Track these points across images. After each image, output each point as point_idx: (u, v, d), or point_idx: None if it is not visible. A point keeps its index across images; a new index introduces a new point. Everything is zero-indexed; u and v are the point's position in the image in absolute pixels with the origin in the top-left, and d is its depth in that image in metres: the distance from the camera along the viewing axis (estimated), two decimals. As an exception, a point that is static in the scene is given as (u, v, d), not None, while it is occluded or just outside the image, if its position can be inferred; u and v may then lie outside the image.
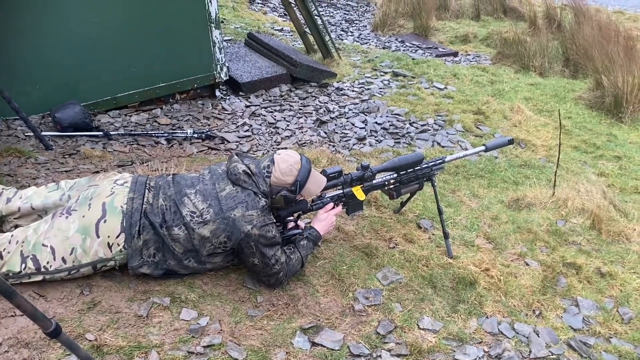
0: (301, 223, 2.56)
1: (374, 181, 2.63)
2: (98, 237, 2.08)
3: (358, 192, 2.56)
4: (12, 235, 2.08)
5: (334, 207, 2.53)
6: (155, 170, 3.23)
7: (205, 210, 2.17)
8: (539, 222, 3.23)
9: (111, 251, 2.11)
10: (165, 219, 2.16)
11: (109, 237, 2.09)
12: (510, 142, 2.92)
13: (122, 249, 2.12)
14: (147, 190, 2.22)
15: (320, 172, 2.43)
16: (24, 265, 2.02)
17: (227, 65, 4.80)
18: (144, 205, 2.16)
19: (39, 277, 2.05)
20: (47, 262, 2.04)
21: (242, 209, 2.16)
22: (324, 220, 2.49)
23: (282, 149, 2.42)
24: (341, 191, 2.55)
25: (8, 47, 3.73)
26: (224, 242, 2.20)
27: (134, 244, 2.12)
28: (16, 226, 2.26)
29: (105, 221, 2.09)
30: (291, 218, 2.49)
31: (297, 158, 2.32)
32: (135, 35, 4.19)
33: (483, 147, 2.89)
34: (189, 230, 2.16)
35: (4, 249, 2.04)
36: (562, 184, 3.66)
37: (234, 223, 2.15)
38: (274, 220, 2.29)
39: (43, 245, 2.04)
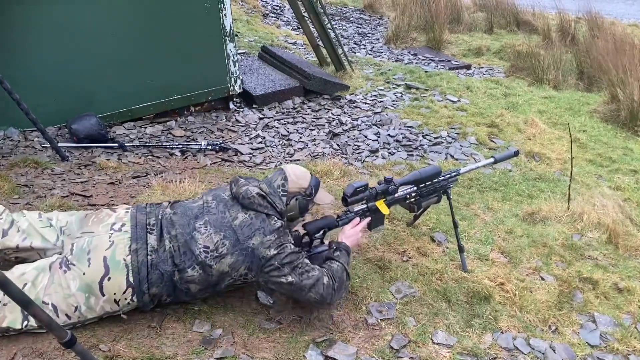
0: (326, 241, 2.47)
1: (396, 195, 2.61)
2: (103, 295, 1.96)
3: (382, 206, 2.53)
4: None
5: (359, 222, 2.48)
6: (162, 195, 3.25)
7: (220, 243, 2.04)
8: (554, 236, 3.20)
9: (118, 305, 2.00)
10: (176, 262, 2.02)
11: (115, 294, 1.97)
12: (516, 153, 3.01)
13: (130, 302, 2.01)
14: (148, 234, 2.06)
15: (347, 186, 2.38)
16: (25, 323, 1.90)
17: (241, 78, 4.84)
18: (149, 257, 2.01)
19: (43, 331, 1.94)
20: None
21: (260, 236, 2.06)
22: (352, 235, 2.41)
23: (291, 162, 2.37)
24: (365, 206, 2.51)
25: (26, 59, 3.81)
26: (245, 274, 2.09)
27: (145, 299, 2.02)
28: (16, 258, 2.12)
29: (109, 279, 1.95)
30: (317, 235, 2.41)
31: (304, 169, 2.32)
32: (150, 48, 4.25)
33: (492, 160, 2.95)
34: (205, 268, 2.03)
35: (1, 302, 1.88)
36: (578, 197, 3.62)
37: (254, 252, 2.05)
38: (292, 241, 2.18)
39: (44, 302, 1.91)
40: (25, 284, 1.92)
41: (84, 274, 1.95)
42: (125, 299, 1.99)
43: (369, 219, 2.52)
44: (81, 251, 2.00)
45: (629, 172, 4.45)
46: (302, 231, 2.40)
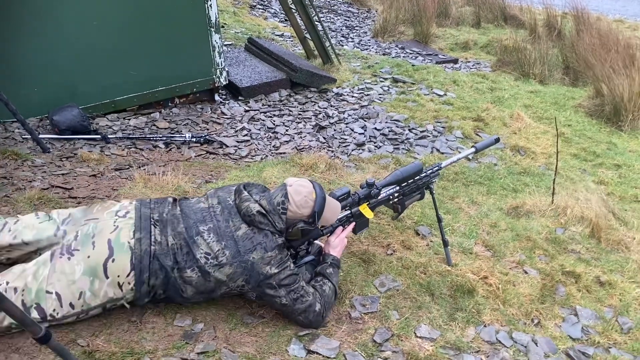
0: (315, 246, 2.44)
1: (379, 197, 2.60)
2: (107, 277, 1.93)
3: (365, 210, 2.51)
4: (7, 283, 1.87)
5: (343, 230, 2.45)
6: (153, 189, 3.20)
7: (220, 252, 2.03)
8: (538, 230, 3.21)
9: (122, 290, 1.97)
10: (177, 259, 2.01)
11: (119, 276, 1.95)
12: (497, 140, 3.00)
13: (133, 287, 1.98)
14: (152, 227, 2.06)
15: (329, 194, 2.33)
16: None
17: (226, 69, 4.79)
18: (152, 247, 2.00)
19: (45, 325, 1.86)
20: (54, 310, 1.89)
21: (261, 251, 2.04)
22: (338, 245, 2.39)
23: (292, 178, 2.28)
24: (349, 212, 2.48)
25: (6, 49, 3.72)
26: (242, 285, 2.08)
27: (143, 289, 2.00)
28: (8, 259, 2.08)
29: (113, 260, 1.94)
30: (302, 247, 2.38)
31: (310, 188, 2.19)
32: (134, 38, 4.19)
33: (473, 149, 2.93)
34: (204, 274, 2.02)
35: None
36: (562, 191, 3.64)
37: (253, 266, 2.03)
38: (289, 255, 2.17)
39: (47, 292, 1.87)
40: (27, 280, 1.88)
41: (88, 257, 1.94)
42: (129, 283, 1.96)
43: (353, 224, 2.49)
44: (86, 236, 1.99)
45: (613, 167, 4.49)
46: None
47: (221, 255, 2.03)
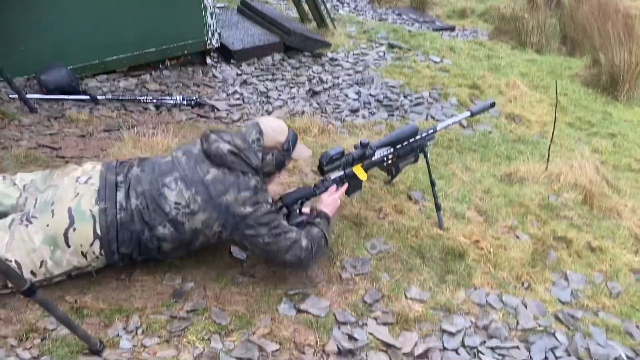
0: (305, 209, 2.38)
1: (373, 158, 2.56)
2: (69, 246, 1.87)
3: (359, 171, 2.47)
4: None
5: (337, 190, 2.41)
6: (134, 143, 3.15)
7: (191, 199, 1.95)
8: (531, 196, 3.20)
9: (86, 259, 1.92)
10: (145, 220, 1.94)
11: (81, 245, 1.89)
12: (492, 105, 2.94)
13: (99, 256, 1.93)
14: (117, 192, 1.97)
15: (322, 155, 2.31)
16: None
17: (218, 31, 4.68)
18: (118, 216, 1.92)
19: (6, 291, 1.85)
20: None
21: (234, 192, 1.97)
22: (330, 204, 2.33)
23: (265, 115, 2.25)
24: (343, 172, 2.44)
25: (-9, 5, 3.61)
26: (219, 232, 2.03)
27: (115, 258, 1.96)
28: None
29: (74, 229, 1.87)
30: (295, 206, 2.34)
31: (281, 122, 2.20)
32: (124, -2, 4.06)
33: (468, 113, 2.86)
34: (177, 226, 1.96)
35: None
36: (556, 159, 3.62)
37: (227, 209, 1.97)
38: (269, 199, 2.11)
39: (7, 259, 1.78)
40: None
41: (47, 225, 1.87)
42: (94, 252, 1.91)
43: (346, 185, 2.45)
44: (44, 204, 1.92)
45: (607, 136, 4.47)
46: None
47: (192, 202, 1.96)
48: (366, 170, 2.51)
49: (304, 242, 2.09)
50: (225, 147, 2.02)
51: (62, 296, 1.93)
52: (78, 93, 3.82)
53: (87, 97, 3.80)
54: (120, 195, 1.97)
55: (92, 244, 1.90)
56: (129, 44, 4.23)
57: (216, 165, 2.01)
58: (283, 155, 2.18)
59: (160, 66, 4.54)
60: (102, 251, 1.93)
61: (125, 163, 2.13)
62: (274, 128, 2.15)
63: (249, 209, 1.99)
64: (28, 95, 3.56)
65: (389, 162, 2.62)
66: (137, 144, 3.01)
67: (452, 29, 7.60)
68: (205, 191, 1.97)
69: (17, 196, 2.02)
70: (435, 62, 5.43)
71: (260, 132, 2.11)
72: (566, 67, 5.96)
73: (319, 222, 2.23)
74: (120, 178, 2.02)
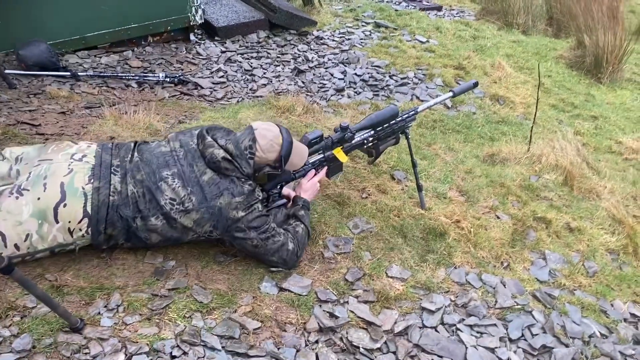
0: (286, 190, 2.38)
1: (353, 141, 2.56)
2: (57, 222, 1.87)
3: (339, 154, 2.47)
4: None
5: (316, 174, 2.41)
6: (121, 120, 3.11)
7: (186, 197, 1.97)
8: (512, 177, 3.23)
9: (72, 236, 1.91)
10: (140, 208, 1.95)
11: (69, 222, 1.89)
12: (475, 85, 2.94)
13: (85, 234, 1.92)
14: (112, 175, 1.98)
15: (301, 139, 2.31)
16: None
17: (202, 7, 4.61)
18: (111, 197, 1.93)
19: None
20: None
21: (228, 196, 1.99)
22: (309, 189, 2.36)
23: (258, 121, 2.20)
24: (322, 155, 2.44)
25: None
26: (209, 231, 2.05)
27: (100, 239, 1.95)
28: None
29: (65, 205, 1.87)
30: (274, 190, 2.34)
31: (276, 132, 2.12)
32: (105, -30, 3.97)
33: (450, 94, 2.87)
34: (169, 220, 1.97)
35: None
36: (538, 140, 3.65)
37: (220, 212, 2.00)
38: (261, 198, 2.11)
39: None
40: None
41: (38, 198, 1.87)
42: (80, 230, 1.91)
43: (325, 168, 2.46)
44: (38, 177, 1.92)
45: (589, 118, 4.52)
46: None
47: (187, 201, 1.98)
48: (346, 152, 2.51)
49: (290, 246, 2.14)
50: (219, 153, 2.02)
51: (42, 274, 1.91)
52: (58, 69, 3.75)
53: (68, 73, 3.73)
54: (116, 178, 1.97)
55: (80, 222, 1.90)
56: (111, 19, 4.15)
57: (211, 168, 2.03)
58: (275, 170, 2.15)
59: (143, 42, 4.47)
60: (89, 229, 1.92)
61: (121, 145, 2.13)
62: (264, 148, 2.08)
63: (241, 213, 2.02)
64: (7, 71, 3.49)
65: (370, 144, 2.62)
66: (119, 122, 2.98)
67: (439, 8, 7.55)
68: (201, 192, 1.99)
69: (8, 169, 2.01)
70: (422, 42, 5.41)
71: (254, 140, 2.08)
72: (551, 48, 5.97)
73: (303, 216, 2.26)
74: (116, 161, 2.02)
